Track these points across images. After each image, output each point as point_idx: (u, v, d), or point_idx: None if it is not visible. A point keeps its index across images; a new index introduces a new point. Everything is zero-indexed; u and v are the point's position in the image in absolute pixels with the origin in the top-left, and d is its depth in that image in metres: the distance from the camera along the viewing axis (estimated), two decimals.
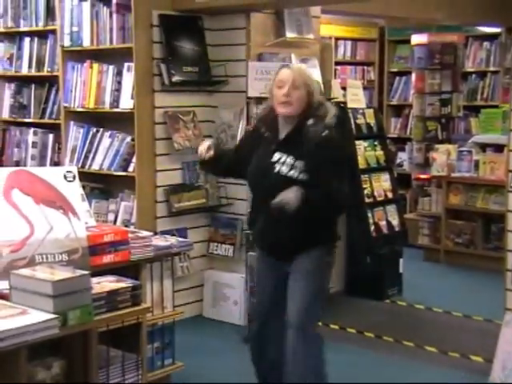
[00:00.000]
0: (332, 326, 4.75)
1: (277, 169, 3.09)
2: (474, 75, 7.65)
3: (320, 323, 4.75)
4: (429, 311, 5.17)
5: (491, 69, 7.51)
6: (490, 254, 6.18)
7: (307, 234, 3.13)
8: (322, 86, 3.34)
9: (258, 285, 3.62)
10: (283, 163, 3.09)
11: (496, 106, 7.00)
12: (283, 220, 3.03)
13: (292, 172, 3.07)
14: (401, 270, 5.56)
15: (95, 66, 4.82)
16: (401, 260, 5.57)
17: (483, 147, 6.49)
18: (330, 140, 3.10)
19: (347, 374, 3.98)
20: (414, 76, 7.42)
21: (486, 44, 7.57)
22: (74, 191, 2.91)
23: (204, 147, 3.30)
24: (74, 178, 2.93)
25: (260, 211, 3.21)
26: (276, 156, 3.12)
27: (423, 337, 4.59)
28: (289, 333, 3.15)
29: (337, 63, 8.12)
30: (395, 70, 8.38)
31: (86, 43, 4.84)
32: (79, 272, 2.48)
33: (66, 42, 4.94)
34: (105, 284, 2.67)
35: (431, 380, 3.92)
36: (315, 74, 5.05)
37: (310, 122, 3.09)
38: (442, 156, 6.59)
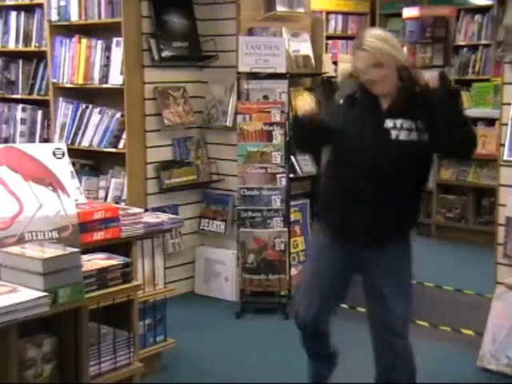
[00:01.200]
0: None
1: (393, 135, 2.80)
2: (465, 49, 7.60)
3: None
4: (420, 286, 5.19)
5: (483, 42, 7.46)
6: (481, 229, 6.20)
7: (405, 215, 2.87)
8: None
9: (314, 271, 3.09)
10: (400, 128, 2.80)
11: (487, 80, 6.96)
12: (395, 201, 2.79)
13: (413, 135, 2.78)
14: None
15: (84, 41, 4.77)
16: None
17: (475, 121, 6.47)
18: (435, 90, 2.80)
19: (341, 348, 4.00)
20: (405, 50, 7.36)
21: (477, 17, 7.51)
22: (63, 168, 2.88)
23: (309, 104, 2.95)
24: (63, 154, 2.90)
25: (355, 190, 2.84)
26: (388, 123, 2.81)
27: (414, 311, 4.57)
28: (393, 342, 2.96)
29: (328, 37, 8.04)
30: None
31: (74, 18, 4.77)
32: (69, 249, 2.46)
33: (54, 17, 4.88)
34: (95, 261, 2.66)
35: (422, 353, 3.94)
36: (306, 48, 5.02)
37: (418, 89, 2.85)
38: None
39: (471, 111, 6.60)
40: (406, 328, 3.01)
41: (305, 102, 2.98)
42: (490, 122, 6.23)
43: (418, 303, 4.80)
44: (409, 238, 2.95)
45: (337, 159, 2.99)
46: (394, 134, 2.80)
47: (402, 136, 2.79)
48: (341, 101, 2.98)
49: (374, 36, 2.82)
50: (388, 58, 2.78)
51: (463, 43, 7.56)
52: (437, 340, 4.16)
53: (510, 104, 3.68)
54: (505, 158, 3.70)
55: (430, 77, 2.87)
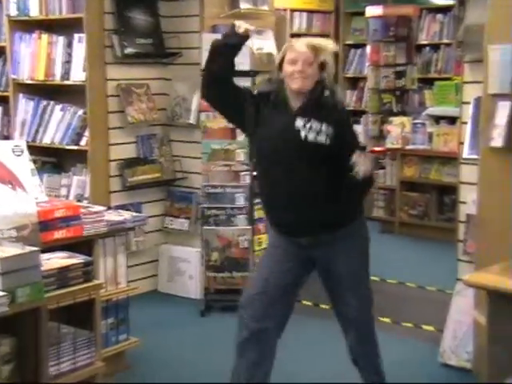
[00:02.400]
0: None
1: (303, 135, 2.88)
2: (427, 48, 7.68)
3: None
4: (383, 283, 5.23)
5: (445, 41, 7.55)
6: (443, 225, 6.28)
7: (342, 209, 2.94)
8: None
9: (263, 270, 3.10)
10: (310, 129, 2.88)
11: (449, 79, 7.05)
12: (313, 194, 2.88)
13: (320, 137, 2.87)
14: None
15: (44, 36, 4.70)
16: None
17: (437, 119, 6.56)
18: (346, 111, 3.13)
19: (306, 345, 4.01)
20: (369, 48, 7.41)
21: (439, 16, 7.59)
22: (22, 166, 2.84)
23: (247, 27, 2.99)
24: (23, 152, 2.86)
25: (279, 186, 2.94)
26: (299, 122, 2.90)
27: (377, 308, 4.57)
28: (357, 333, 3.10)
29: (292, 35, 8.06)
30: (351, 42, 8.37)
31: (34, 13, 4.70)
32: (28, 248, 2.43)
33: (13, 12, 4.80)
34: (55, 260, 2.63)
35: (384, 350, 3.97)
36: (270, 46, 5.01)
37: (327, 93, 2.97)
38: (397, 128, 6.62)
39: (434, 109, 6.70)
40: (367, 314, 3.15)
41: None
42: (452, 120, 6.30)
43: (380, 300, 4.85)
44: (351, 232, 2.99)
45: (258, 157, 3.09)
46: (303, 133, 2.89)
47: (311, 137, 2.88)
48: (255, 91, 3.13)
49: (317, 39, 3.02)
50: (318, 61, 2.91)
51: (425, 42, 7.65)
52: (399, 336, 4.20)
53: (469, 103, 3.72)
54: (465, 155, 3.75)
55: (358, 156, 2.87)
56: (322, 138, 2.87)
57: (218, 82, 3.02)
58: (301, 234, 2.98)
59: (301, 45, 2.93)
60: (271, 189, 3.00)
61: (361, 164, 2.77)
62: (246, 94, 3.07)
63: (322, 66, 2.93)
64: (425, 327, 4.31)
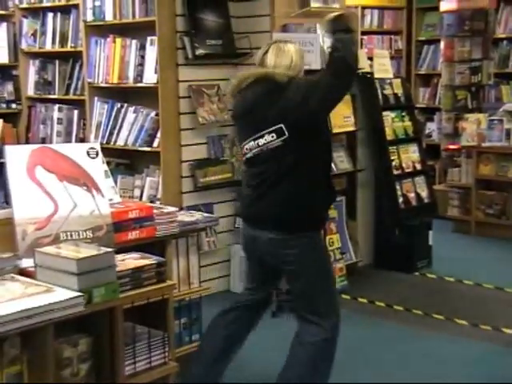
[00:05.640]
0: (360, 299, 4.71)
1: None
2: (505, 41, 7.45)
3: (349, 296, 4.74)
4: (459, 283, 5.10)
5: None
6: None
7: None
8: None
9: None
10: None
11: None
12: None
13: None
14: (430, 242, 5.48)
15: (118, 40, 4.79)
16: (430, 232, 5.49)
17: None
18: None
19: (376, 347, 3.95)
20: (442, 44, 7.25)
21: None
22: (97, 168, 2.88)
23: None
24: (97, 154, 2.91)
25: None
26: None
27: (453, 310, 4.53)
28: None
29: (363, 33, 7.98)
30: (423, 38, 8.21)
31: (109, 17, 4.80)
32: (104, 249, 2.46)
33: (89, 17, 4.91)
34: (129, 261, 2.66)
35: (462, 353, 3.87)
36: None
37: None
38: (472, 125, 6.46)
39: (511, 105, 6.48)
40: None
41: None
42: None
43: (456, 301, 4.74)
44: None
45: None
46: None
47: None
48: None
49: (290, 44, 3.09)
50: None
51: (503, 35, 7.42)
52: (477, 339, 4.07)
53: None
54: None
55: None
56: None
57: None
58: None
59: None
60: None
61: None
62: None
63: None
64: (504, 330, 4.16)
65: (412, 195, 5.48)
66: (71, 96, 5.34)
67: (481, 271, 5.33)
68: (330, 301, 3.11)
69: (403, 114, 5.56)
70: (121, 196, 3.43)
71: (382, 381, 3.39)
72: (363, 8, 8.11)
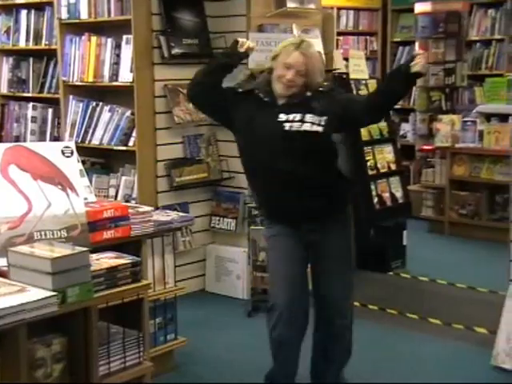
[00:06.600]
0: None
1: (287, 126, 3.01)
2: (478, 44, 7.54)
3: None
4: (433, 283, 5.15)
5: (496, 37, 7.40)
6: (494, 225, 6.14)
7: (334, 198, 3.12)
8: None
9: (280, 265, 3.15)
10: (292, 121, 3.01)
11: (501, 75, 6.89)
12: (304, 186, 3.02)
13: (305, 126, 3.01)
14: (404, 242, 5.52)
15: (93, 38, 4.75)
16: (404, 232, 5.53)
17: (488, 117, 6.42)
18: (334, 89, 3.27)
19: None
20: (417, 45, 7.31)
21: (490, 11, 7.44)
22: (72, 167, 2.87)
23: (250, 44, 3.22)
24: (72, 153, 2.89)
25: (271, 180, 3.06)
26: (282, 116, 3.03)
27: (427, 309, 4.57)
28: (335, 322, 3.16)
29: (339, 33, 8.01)
30: (398, 39, 8.27)
31: (84, 16, 4.76)
32: (78, 249, 2.45)
33: (64, 15, 4.87)
34: (104, 260, 2.65)
35: (435, 352, 3.91)
36: (317, 44, 4.97)
37: (309, 94, 3.08)
38: (446, 127, 6.52)
39: (484, 107, 6.56)
40: (347, 308, 3.19)
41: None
42: (504, 117, 6.17)
43: (430, 301, 4.78)
44: (345, 215, 3.23)
45: (247, 152, 3.19)
46: (287, 125, 3.01)
47: (295, 127, 3.00)
48: (240, 90, 3.20)
49: (312, 51, 3.09)
50: (311, 75, 3.04)
51: (476, 38, 7.50)
52: (450, 338, 4.12)
53: None
54: None
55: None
56: (307, 126, 2.98)
57: (207, 90, 3.17)
58: (301, 220, 3.10)
59: (297, 54, 3.02)
60: (266, 182, 3.09)
61: (421, 58, 2.91)
62: (229, 94, 3.20)
63: (308, 73, 3.03)
64: (477, 329, 4.21)
65: (387, 195, 5.52)
66: (45, 94, 5.28)
67: (454, 271, 5.38)
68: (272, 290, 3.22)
69: None
70: (96, 195, 3.41)
71: (354, 381, 3.41)
72: (339, 9, 8.16)
